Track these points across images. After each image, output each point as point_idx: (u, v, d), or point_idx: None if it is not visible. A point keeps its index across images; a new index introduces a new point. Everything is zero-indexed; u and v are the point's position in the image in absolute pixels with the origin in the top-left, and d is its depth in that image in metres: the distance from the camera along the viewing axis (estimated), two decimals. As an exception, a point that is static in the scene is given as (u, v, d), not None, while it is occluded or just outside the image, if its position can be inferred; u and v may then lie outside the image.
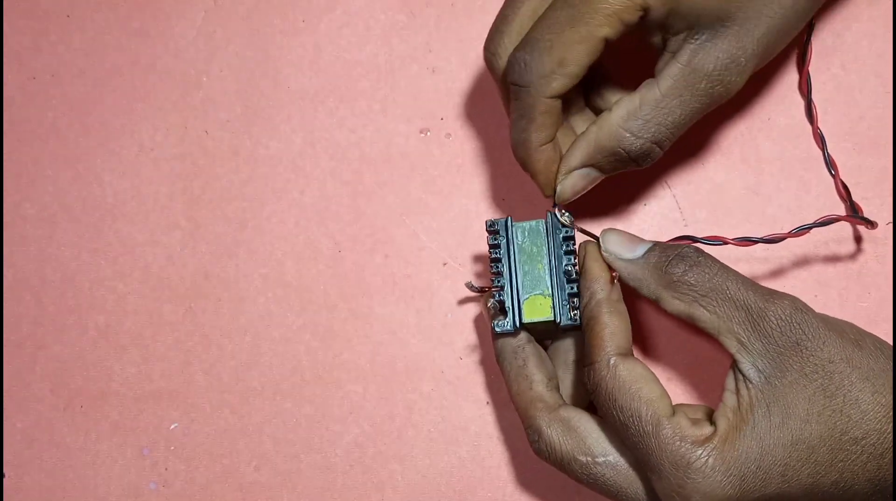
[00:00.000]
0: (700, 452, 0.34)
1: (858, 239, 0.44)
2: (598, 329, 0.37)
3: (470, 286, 0.42)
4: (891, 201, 0.44)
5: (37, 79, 0.50)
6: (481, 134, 0.47)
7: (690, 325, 0.37)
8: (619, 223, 0.45)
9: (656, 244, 0.38)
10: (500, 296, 0.40)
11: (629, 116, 0.38)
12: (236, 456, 0.46)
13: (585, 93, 0.42)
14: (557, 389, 0.40)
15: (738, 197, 0.45)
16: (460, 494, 0.45)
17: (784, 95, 0.45)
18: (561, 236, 0.40)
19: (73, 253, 0.48)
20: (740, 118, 0.45)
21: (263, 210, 0.48)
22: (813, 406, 0.34)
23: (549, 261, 0.40)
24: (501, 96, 0.41)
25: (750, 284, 0.36)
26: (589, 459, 0.37)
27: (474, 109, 0.47)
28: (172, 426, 0.47)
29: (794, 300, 0.36)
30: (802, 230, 0.40)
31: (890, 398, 0.34)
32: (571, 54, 0.37)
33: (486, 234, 0.41)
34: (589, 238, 0.40)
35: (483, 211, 0.46)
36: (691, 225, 0.45)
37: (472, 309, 0.46)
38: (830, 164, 0.44)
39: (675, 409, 0.36)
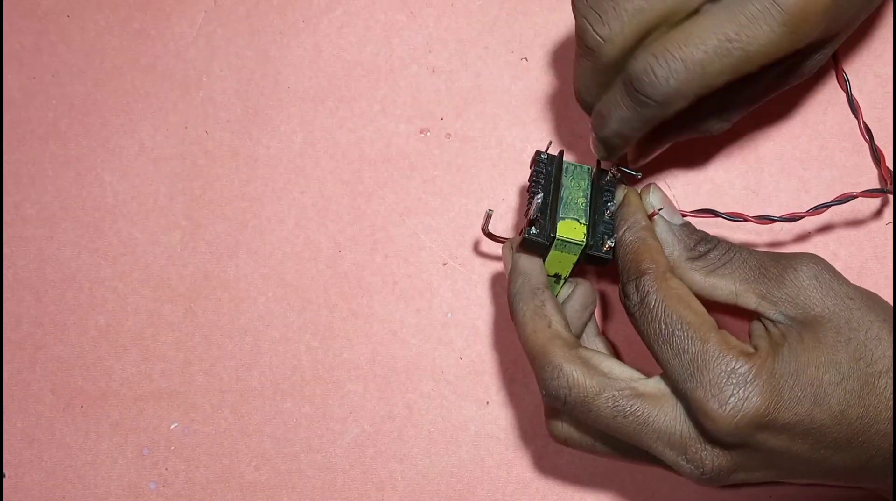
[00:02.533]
0: (743, 361, 0.34)
1: (858, 239, 0.44)
2: (649, 246, 0.38)
3: (489, 216, 0.41)
4: (891, 201, 0.44)
5: (37, 79, 0.50)
6: (481, 134, 0.47)
7: (704, 302, 0.37)
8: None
9: (688, 223, 0.39)
10: (537, 207, 0.39)
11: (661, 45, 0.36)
12: (236, 456, 0.46)
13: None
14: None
15: (738, 197, 0.45)
16: (460, 494, 0.45)
17: (785, 94, 0.45)
18: (604, 180, 0.41)
19: (73, 253, 0.48)
20: (740, 118, 0.45)
21: (263, 210, 0.48)
22: (840, 336, 0.35)
23: (589, 197, 0.41)
24: (578, 56, 0.39)
25: (765, 252, 0.38)
26: (616, 392, 0.36)
27: (474, 109, 0.47)
28: (172, 426, 0.47)
29: (804, 254, 0.37)
30: (820, 209, 0.41)
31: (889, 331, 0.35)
32: (718, 82, 0.36)
33: (532, 162, 0.40)
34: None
35: (483, 211, 0.46)
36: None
37: (473, 309, 0.46)
38: (865, 130, 0.44)
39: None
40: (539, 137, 0.46)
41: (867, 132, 0.44)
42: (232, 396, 0.47)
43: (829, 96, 0.45)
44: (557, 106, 0.46)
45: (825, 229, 0.44)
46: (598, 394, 0.36)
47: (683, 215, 0.40)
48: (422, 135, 0.47)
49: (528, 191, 0.40)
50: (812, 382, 0.34)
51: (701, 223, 0.40)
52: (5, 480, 0.48)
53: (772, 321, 0.36)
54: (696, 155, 0.45)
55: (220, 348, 0.47)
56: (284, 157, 0.48)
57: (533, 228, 0.39)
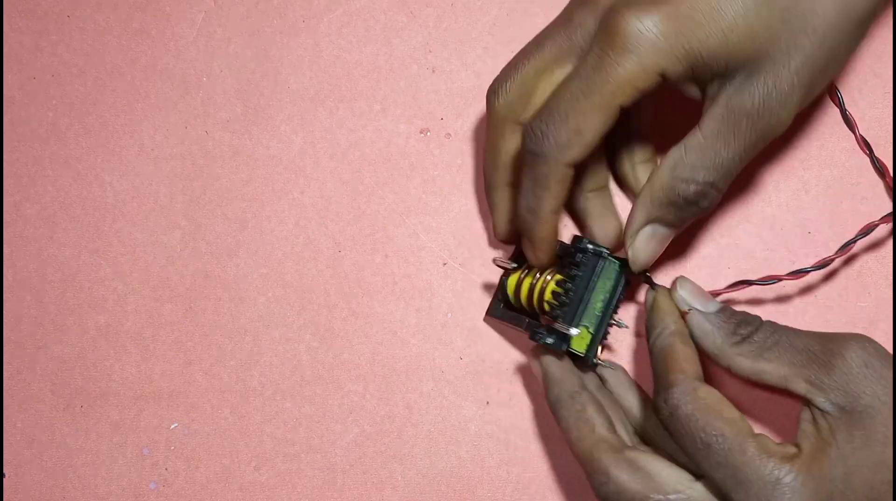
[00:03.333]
0: (787, 468, 0.34)
1: (859, 238, 0.44)
2: (676, 355, 0.38)
3: (500, 263, 0.42)
4: (891, 201, 0.44)
5: (37, 79, 0.50)
6: (481, 134, 0.47)
7: (757, 385, 0.37)
8: (670, 160, 0.45)
9: (724, 306, 0.39)
10: (561, 315, 0.40)
11: (677, 164, 0.38)
12: (236, 456, 0.46)
13: (612, 155, 0.43)
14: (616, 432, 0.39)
15: (737, 197, 0.45)
16: (460, 494, 0.45)
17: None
18: (622, 283, 0.41)
19: (73, 253, 0.48)
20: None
21: (263, 210, 0.48)
22: (891, 430, 0.34)
23: (606, 301, 0.41)
24: (489, 136, 0.42)
25: (809, 332, 0.37)
26: (662, 497, 0.36)
27: (474, 109, 0.47)
28: (172, 426, 0.47)
29: (850, 334, 0.36)
30: (847, 247, 0.42)
31: None
32: (587, 123, 0.36)
33: (576, 250, 0.41)
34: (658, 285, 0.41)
35: (483, 211, 0.46)
36: (691, 225, 0.45)
37: (472, 309, 0.46)
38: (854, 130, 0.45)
39: (756, 434, 0.36)
40: (539, 137, 0.46)
41: (866, 146, 0.44)
42: (232, 396, 0.47)
43: (828, 97, 0.45)
44: (557, 106, 0.46)
45: (826, 228, 0.44)
46: (645, 499, 0.36)
47: (717, 294, 0.41)
48: (422, 135, 0.47)
49: (561, 282, 0.41)
50: (864, 485, 0.34)
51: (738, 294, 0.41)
52: (5, 480, 0.48)
53: (821, 410, 0.35)
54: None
55: (220, 348, 0.47)
56: (284, 157, 0.48)
57: (549, 337, 0.40)
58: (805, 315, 0.44)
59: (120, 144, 0.49)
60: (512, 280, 0.42)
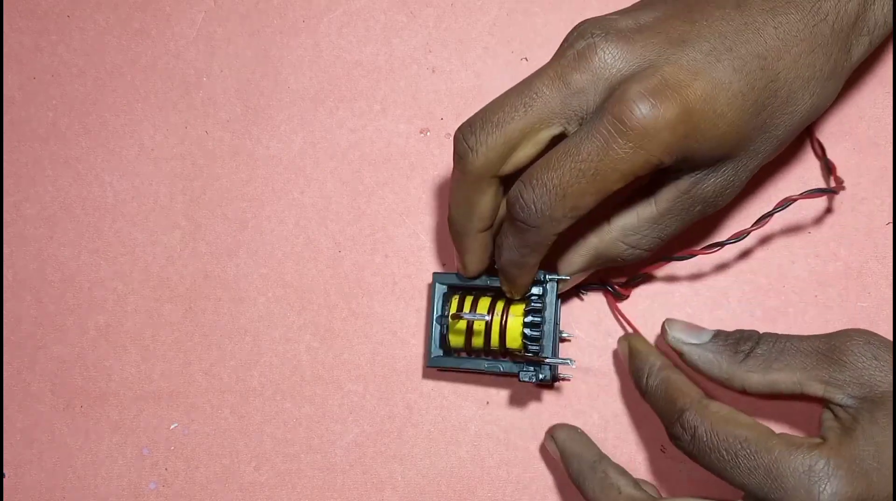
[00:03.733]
0: (817, 454, 0.34)
1: (858, 239, 0.44)
2: (674, 385, 0.38)
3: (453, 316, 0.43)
4: (891, 201, 0.44)
5: (37, 79, 0.50)
6: (481, 134, 0.47)
7: (771, 397, 0.38)
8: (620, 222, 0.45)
9: (718, 331, 0.40)
10: (541, 349, 0.41)
11: (626, 231, 0.40)
12: (236, 456, 0.46)
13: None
14: (642, 488, 0.40)
15: (737, 197, 0.45)
16: (460, 494, 0.45)
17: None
18: (558, 299, 0.43)
19: (73, 253, 0.48)
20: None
21: (263, 210, 0.48)
22: None
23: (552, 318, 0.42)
24: (460, 187, 0.40)
25: (810, 336, 0.38)
26: None
27: (474, 109, 0.47)
28: (172, 426, 0.47)
29: (852, 329, 0.37)
30: (763, 220, 0.41)
31: None
32: (583, 202, 0.37)
33: (539, 285, 0.42)
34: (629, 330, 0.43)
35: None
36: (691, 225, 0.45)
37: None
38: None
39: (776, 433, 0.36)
40: (539, 137, 0.46)
41: (821, 148, 0.44)
42: (232, 396, 0.47)
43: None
44: (557, 106, 0.46)
45: (826, 228, 0.44)
46: None
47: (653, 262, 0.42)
48: (422, 135, 0.47)
49: (531, 319, 0.42)
50: None
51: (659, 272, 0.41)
52: (5, 480, 0.48)
53: (841, 406, 0.36)
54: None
55: (220, 348, 0.47)
56: (284, 157, 0.48)
57: (541, 372, 0.41)
58: (805, 315, 0.44)
59: (120, 144, 0.49)
60: (461, 323, 0.42)
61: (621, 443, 0.44)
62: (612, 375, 0.45)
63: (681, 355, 0.40)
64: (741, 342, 0.38)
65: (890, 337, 0.43)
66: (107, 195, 0.49)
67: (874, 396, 0.35)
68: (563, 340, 0.44)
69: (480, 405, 0.46)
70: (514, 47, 0.47)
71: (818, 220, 0.44)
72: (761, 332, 0.39)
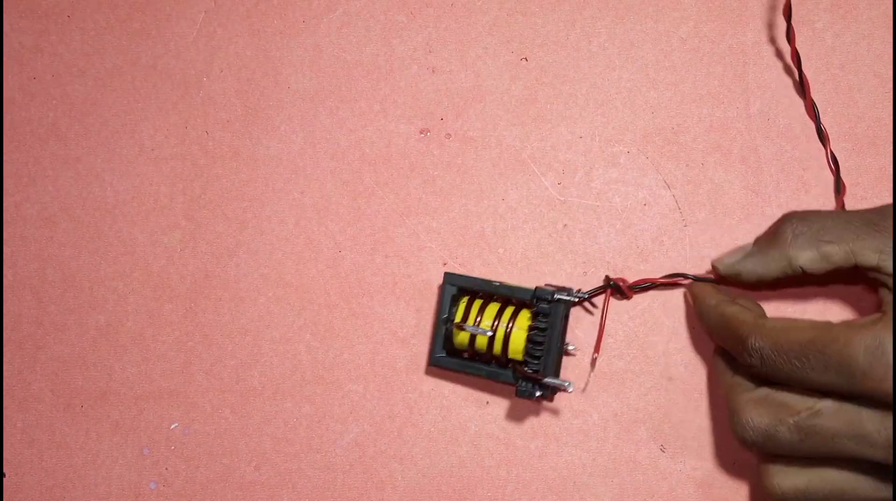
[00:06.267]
0: (881, 327, 0.34)
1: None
2: (730, 316, 0.39)
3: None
4: (890, 201, 0.44)
5: (37, 79, 0.50)
6: (481, 134, 0.47)
7: (828, 274, 0.38)
8: (619, 222, 0.45)
9: (757, 237, 0.41)
10: (533, 367, 0.42)
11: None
12: (236, 456, 0.46)
13: None
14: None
15: (737, 197, 0.45)
16: (460, 494, 0.45)
17: (783, 94, 0.45)
18: (567, 316, 0.43)
19: (73, 253, 0.48)
20: (740, 118, 0.45)
21: (263, 210, 0.48)
22: None
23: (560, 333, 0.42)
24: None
25: (854, 210, 0.39)
26: (793, 418, 0.36)
27: (474, 109, 0.47)
28: (172, 426, 0.47)
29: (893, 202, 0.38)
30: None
31: None
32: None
33: (539, 300, 0.42)
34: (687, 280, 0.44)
35: (483, 211, 0.46)
36: (691, 225, 0.45)
37: (472, 309, 0.46)
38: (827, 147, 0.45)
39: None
40: (539, 136, 0.46)
41: (834, 163, 0.44)
42: (232, 396, 0.47)
43: (829, 97, 0.45)
44: (557, 106, 0.46)
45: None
46: (779, 424, 0.37)
47: (652, 281, 0.43)
48: (422, 135, 0.47)
49: (533, 334, 0.42)
50: None
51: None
52: (5, 480, 0.48)
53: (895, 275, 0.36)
54: (695, 155, 0.45)
55: (220, 348, 0.47)
56: (284, 157, 0.48)
57: (537, 390, 0.42)
58: (805, 315, 0.44)
59: (120, 144, 0.49)
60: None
61: (621, 443, 0.44)
62: (612, 375, 0.45)
63: (739, 276, 0.40)
64: (783, 229, 0.39)
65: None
66: (107, 195, 0.49)
67: None
68: (567, 353, 0.44)
69: (480, 405, 0.46)
70: (514, 47, 0.47)
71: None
72: (798, 211, 0.39)
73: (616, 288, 0.44)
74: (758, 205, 0.45)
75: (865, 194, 0.44)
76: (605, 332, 0.44)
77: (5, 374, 0.48)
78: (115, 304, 0.48)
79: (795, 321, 0.37)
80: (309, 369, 0.47)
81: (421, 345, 0.46)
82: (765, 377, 0.38)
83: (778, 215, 0.43)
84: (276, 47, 0.48)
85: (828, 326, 0.36)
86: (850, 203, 0.44)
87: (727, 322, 0.39)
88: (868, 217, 0.38)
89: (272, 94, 0.48)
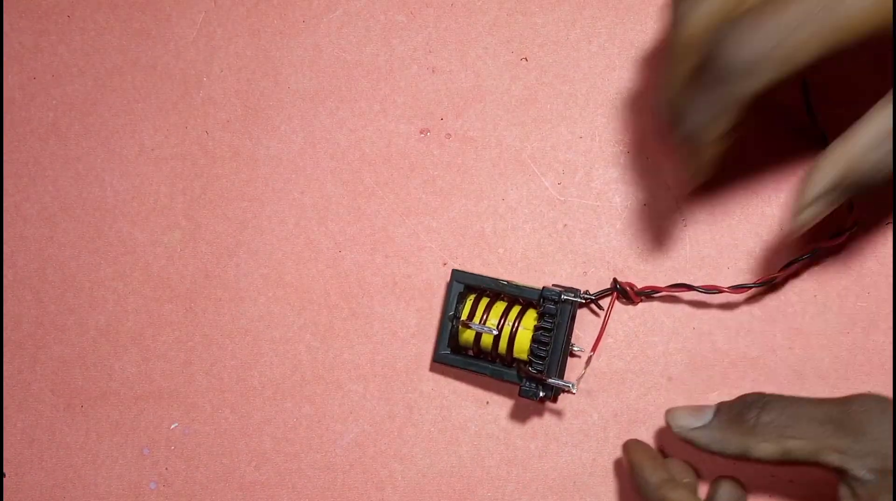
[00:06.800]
0: None
1: (858, 239, 0.44)
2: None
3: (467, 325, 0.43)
4: (891, 201, 0.44)
5: (37, 79, 0.50)
6: (481, 134, 0.47)
7: (785, 464, 0.37)
8: (619, 222, 0.45)
9: (720, 405, 0.39)
10: (538, 368, 0.42)
11: (879, 138, 0.34)
12: (236, 456, 0.46)
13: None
14: None
15: (738, 197, 0.45)
16: (460, 494, 0.45)
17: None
18: (573, 316, 0.43)
19: (73, 253, 0.48)
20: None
21: (263, 210, 0.48)
22: None
23: (566, 334, 0.42)
24: (674, 54, 0.36)
25: (820, 400, 0.37)
26: None
27: (474, 109, 0.47)
28: (172, 426, 0.47)
29: (867, 395, 0.36)
30: (791, 265, 0.42)
31: None
32: (801, 53, 0.33)
33: (546, 300, 0.42)
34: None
35: (483, 211, 0.46)
36: (691, 225, 0.45)
37: (472, 309, 0.46)
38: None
39: None
40: (539, 136, 0.46)
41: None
42: (232, 396, 0.47)
43: (829, 96, 0.45)
44: (557, 106, 0.46)
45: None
46: None
47: (657, 290, 0.41)
48: (422, 135, 0.47)
49: (539, 334, 0.42)
50: None
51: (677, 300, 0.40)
52: (5, 480, 0.48)
53: (858, 479, 0.35)
54: (695, 155, 0.45)
55: (220, 348, 0.47)
56: (284, 157, 0.48)
57: (541, 391, 0.42)
58: (805, 315, 0.44)
59: (120, 144, 0.49)
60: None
61: (621, 443, 0.44)
62: (612, 375, 0.45)
63: (691, 443, 0.39)
64: (745, 411, 0.37)
65: (890, 337, 0.43)
66: (107, 195, 0.49)
67: (891, 466, 0.34)
68: (572, 354, 0.44)
69: (480, 405, 0.46)
70: (513, 47, 0.47)
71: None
72: (763, 394, 0.38)
73: (622, 293, 0.44)
74: (758, 205, 0.45)
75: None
76: (605, 332, 0.44)
77: (5, 374, 0.48)
78: (115, 304, 0.48)
79: None
80: (309, 369, 0.47)
81: (421, 345, 0.46)
82: None
83: (778, 215, 0.43)
84: (276, 47, 0.48)
85: None
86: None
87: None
88: (832, 414, 0.36)
89: (272, 94, 0.48)
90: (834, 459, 0.35)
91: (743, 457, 0.37)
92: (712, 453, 0.38)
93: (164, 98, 0.49)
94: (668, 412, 0.39)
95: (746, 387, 0.43)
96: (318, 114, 0.48)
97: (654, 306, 0.45)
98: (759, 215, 0.45)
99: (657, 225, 0.45)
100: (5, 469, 0.48)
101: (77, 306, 0.48)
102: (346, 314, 0.47)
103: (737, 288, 0.42)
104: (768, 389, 0.39)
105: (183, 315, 0.48)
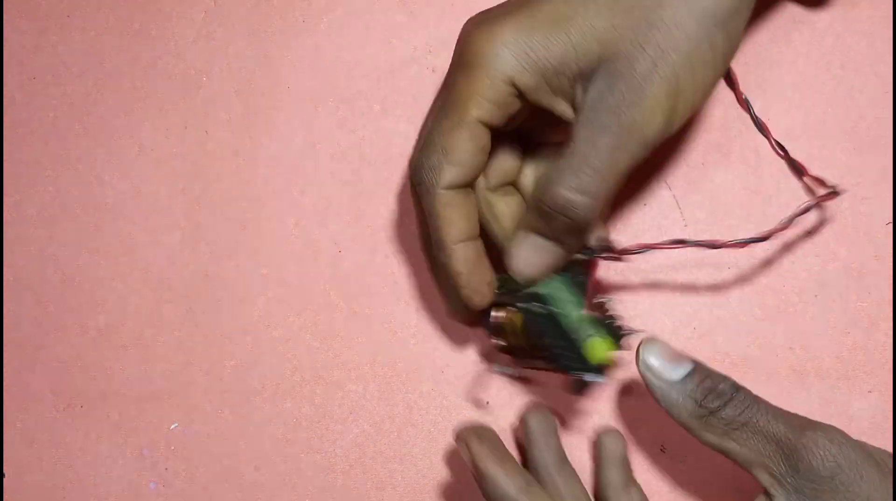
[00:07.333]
0: None
1: (858, 239, 0.44)
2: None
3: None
4: (891, 201, 0.44)
5: (37, 79, 0.50)
6: (481, 134, 0.47)
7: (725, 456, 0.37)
8: (619, 222, 0.45)
9: (696, 369, 0.37)
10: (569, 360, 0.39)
11: (549, 171, 0.37)
12: (236, 456, 0.47)
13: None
14: None
15: (738, 197, 0.45)
16: (460, 494, 0.45)
17: (782, 95, 0.45)
18: (580, 280, 0.40)
19: (73, 253, 0.48)
20: (740, 118, 0.45)
21: (263, 210, 0.48)
22: None
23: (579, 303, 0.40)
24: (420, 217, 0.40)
25: (783, 415, 0.36)
26: None
27: (474, 109, 0.47)
28: (172, 426, 0.47)
29: (827, 431, 0.35)
30: (785, 224, 0.41)
31: None
32: (450, 142, 0.36)
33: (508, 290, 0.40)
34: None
35: (483, 211, 0.46)
36: (691, 225, 0.45)
37: (472, 309, 0.46)
38: (775, 145, 0.44)
39: None
40: (539, 137, 0.46)
41: (781, 148, 0.44)
42: (232, 396, 0.47)
43: (828, 96, 0.45)
44: (557, 106, 0.46)
45: (826, 228, 0.44)
46: None
47: (655, 247, 0.39)
48: (422, 135, 0.47)
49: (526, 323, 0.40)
50: None
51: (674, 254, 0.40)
52: (5, 480, 0.48)
53: None
54: (695, 155, 0.45)
55: (220, 348, 0.47)
56: (284, 157, 0.48)
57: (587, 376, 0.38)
58: (805, 315, 0.44)
59: (120, 144, 0.49)
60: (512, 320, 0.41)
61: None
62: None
63: (646, 384, 0.37)
64: (711, 397, 0.36)
65: (890, 337, 0.43)
66: (107, 195, 0.49)
67: None
68: (608, 313, 0.41)
69: (480, 405, 0.46)
70: (514, 47, 0.47)
71: (818, 220, 0.44)
72: (738, 388, 0.36)
73: (606, 250, 0.40)
74: (758, 205, 0.45)
75: (866, 194, 0.44)
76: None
77: (5, 374, 0.48)
78: (115, 304, 0.48)
79: None
80: (309, 369, 0.47)
81: (421, 345, 0.46)
82: None
83: (778, 214, 0.44)
84: (276, 47, 0.48)
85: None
86: (851, 203, 0.44)
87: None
88: (783, 436, 0.35)
89: (272, 94, 0.48)
90: (765, 479, 0.35)
91: (685, 429, 0.37)
92: (658, 404, 0.37)
93: (164, 98, 0.49)
94: (645, 343, 0.38)
95: (747, 387, 0.43)
96: (318, 114, 0.48)
97: (654, 307, 0.45)
98: (759, 215, 0.45)
99: (657, 225, 0.45)
100: (5, 469, 0.48)
101: (77, 306, 0.48)
102: (346, 314, 0.47)
103: (735, 243, 0.40)
104: (768, 389, 0.39)
105: (183, 315, 0.48)
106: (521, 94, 0.36)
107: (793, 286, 0.44)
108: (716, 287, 0.44)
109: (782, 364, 0.44)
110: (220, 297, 0.47)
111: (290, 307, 0.47)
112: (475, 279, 0.39)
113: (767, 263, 0.44)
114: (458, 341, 0.46)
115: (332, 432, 0.46)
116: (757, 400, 0.36)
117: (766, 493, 0.35)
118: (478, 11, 0.46)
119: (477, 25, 0.37)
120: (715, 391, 0.36)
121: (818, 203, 0.42)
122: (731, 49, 0.37)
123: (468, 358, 0.46)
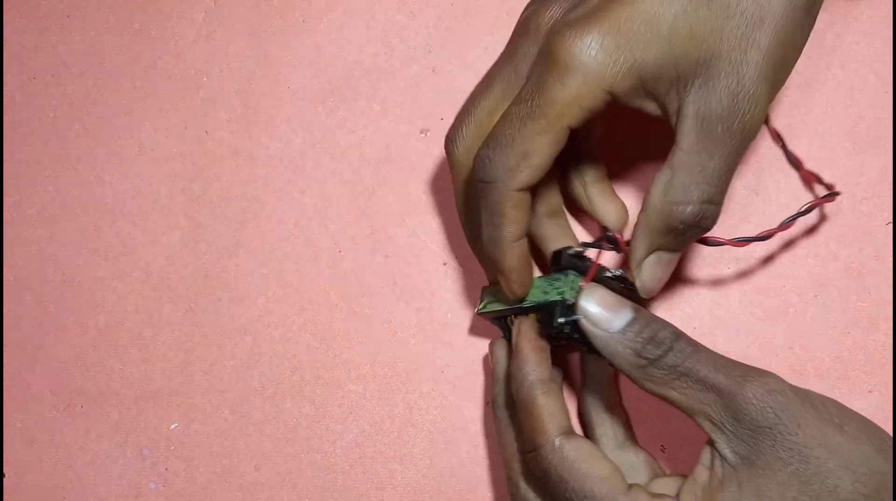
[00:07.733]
0: (683, 486, 0.34)
1: (858, 239, 0.44)
2: (537, 412, 0.37)
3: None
4: (891, 201, 0.44)
5: (37, 79, 0.50)
6: (481, 134, 0.47)
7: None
8: (658, 184, 0.45)
9: (636, 317, 0.36)
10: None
11: (667, 188, 0.36)
12: (236, 456, 0.47)
13: (562, 177, 0.43)
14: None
15: (738, 197, 0.45)
16: (460, 494, 0.45)
17: (782, 94, 0.45)
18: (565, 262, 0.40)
19: (73, 253, 0.48)
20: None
21: (263, 210, 0.48)
22: (787, 491, 0.33)
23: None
24: (454, 185, 0.41)
25: (723, 364, 0.35)
26: None
27: (474, 109, 0.47)
28: (172, 426, 0.47)
29: (768, 381, 0.34)
30: (789, 223, 0.41)
31: (871, 487, 0.33)
32: (533, 146, 0.36)
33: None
34: (521, 315, 0.40)
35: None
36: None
37: (473, 309, 0.46)
38: (793, 160, 0.44)
39: (631, 485, 0.35)
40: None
41: (779, 138, 0.44)
42: (232, 396, 0.47)
43: (829, 96, 0.45)
44: (557, 106, 0.46)
45: (826, 228, 0.44)
46: None
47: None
48: (422, 135, 0.47)
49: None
50: None
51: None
52: (5, 480, 0.48)
53: (721, 455, 0.34)
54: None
55: (220, 348, 0.47)
56: (284, 157, 0.48)
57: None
58: (805, 315, 0.44)
59: (120, 144, 0.49)
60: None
61: (621, 443, 0.44)
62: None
63: (587, 334, 0.36)
64: (650, 346, 0.35)
65: (890, 337, 0.43)
66: (107, 195, 0.49)
67: (755, 462, 0.33)
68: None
69: (480, 405, 0.46)
70: (514, 47, 0.47)
71: (818, 220, 0.44)
72: (678, 336, 0.36)
73: (610, 241, 0.40)
74: (758, 205, 0.45)
75: (866, 194, 0.44)
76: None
77: (5, 374, 0.48)
78: (115, 304, 0.48)
79: (596, 461, 0.35)
80: (309, 369, 0.47)
81: (421, 345, 0.46)
82: (537, 485, 0.37)
83: (778, 214, 0.44)
84: (276, 47, 0.48)
85: (618, 490, 0.34)
86: (851, 203, 0.44)
87: (532, 416, 0.37)
88: (723, 386, 0.34)
89: (272, 94, 0.48)
90: (707, 426, 0.35)
91: (629, 379, 0.36)
92: (603, 354, 0.36)
93: (164, 98, 0.49)
94: (585, 290, 0.37)
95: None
96: (318, 114, 0.48)
97: (654, 306, 0.45)
98: (759, 215, 0.45)
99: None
100: (5, 469, 0.48)
101: (77, 306, 0.48)
102: (346, 313, 0.47)
103: (735, 243, 0.40)
104: (768, 389, 0.39)
105: (183, 315, 0.48)
106: (615, 99, 0.36)
107: (793, 286, 0.44)
108: (716, 287, 0.44)
109: (782, 364, 0.44)
110: (220, 297, 0.47)
111: (290, 307, 0.47)
112: (525, 274, 0.39)
113: (767, 263, 0.44)
114: (458, 341, 0.46)
115: (331, 432, 0.46)
116: (697, 349, 0.36)
117: (710, 441, 0.35)
118: (480, 12, 0.46)
119: (569, 26, 0.35)
120: (655, 340, 0.35)
121: (818, 204, 0.42)
122: (811, 30, 0.36)
123: (468, 358, 0.46)
